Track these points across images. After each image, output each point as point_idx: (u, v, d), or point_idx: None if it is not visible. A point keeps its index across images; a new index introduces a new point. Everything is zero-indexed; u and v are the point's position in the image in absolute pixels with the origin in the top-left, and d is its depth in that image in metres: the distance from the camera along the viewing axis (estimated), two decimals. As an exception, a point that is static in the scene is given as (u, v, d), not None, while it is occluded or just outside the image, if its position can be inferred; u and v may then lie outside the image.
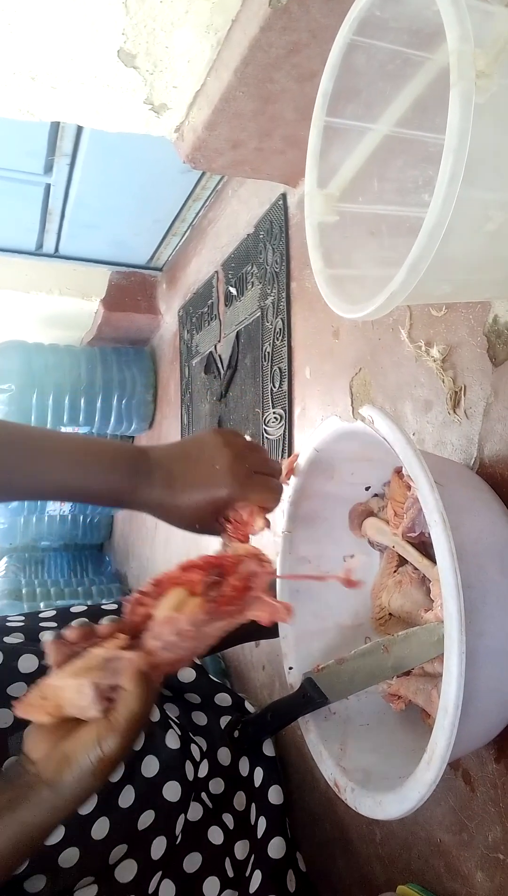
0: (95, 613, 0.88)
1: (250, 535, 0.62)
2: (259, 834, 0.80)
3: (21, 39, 0.87)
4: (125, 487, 0.59)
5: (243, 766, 0.86)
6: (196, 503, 0.60)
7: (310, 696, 0.66)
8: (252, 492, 0.61)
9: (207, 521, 0.61)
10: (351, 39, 0.53)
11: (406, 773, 0.53)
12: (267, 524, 0.63)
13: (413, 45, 0.53)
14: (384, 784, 0.58)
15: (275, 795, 0.84)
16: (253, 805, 0.83)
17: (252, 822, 0.82)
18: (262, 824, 0.81)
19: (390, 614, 0.74)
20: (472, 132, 0.39)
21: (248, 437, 0.70)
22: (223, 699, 0.90)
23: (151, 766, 0.73)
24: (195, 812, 0.77)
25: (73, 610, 0.88)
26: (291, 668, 0.74)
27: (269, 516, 0.64)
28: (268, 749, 0.88)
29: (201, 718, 0.87)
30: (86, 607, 0.89)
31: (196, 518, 0.61)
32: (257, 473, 0.62)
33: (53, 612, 0.88)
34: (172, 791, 0.73)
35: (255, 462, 0.63)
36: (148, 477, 0.60)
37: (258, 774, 0.85)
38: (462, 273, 0.46)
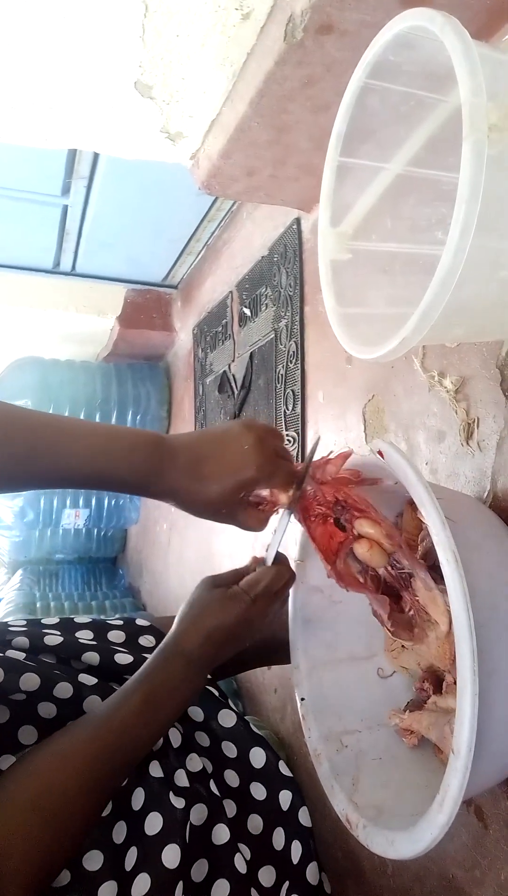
0: (100, 626, 0.88)
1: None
2: (295, 860, 0.78)
3: (39, 70, 0.88)
4: (151, 471, 0.59)
5: (257, 790, 0.84)
6: (223, 484, 0.60)
7: None
8: (276, 474, 0.62)
9: (231, 502, 0.61)
10: (365, 83, 0.53)
11: (419, 812, 0.53)
12: (290, 499, 0.64)
13: (427, 88, 0.54)
14: (396, 822, 0.58)
15: (304, 817, 0.81)
16: (280, 829, 0.80)
17: (278, 848, 0.79)
18: (296, 849, 0.79)
19: (402, 645, 0.74)
20: (484, 183, 0.40)
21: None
22: (257, 757, 0.87)
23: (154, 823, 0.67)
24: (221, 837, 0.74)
25: (77, 620, 0.89)
26: (303, 699, 0.74)
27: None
28: (285, 770, 0.86)
29: (233, 779, 0.82)
30: (90, 619, 0.90)
31: (222, 500, 0.60)
32: (278, 457, 0.63)
33: (56, 621, 0.87)
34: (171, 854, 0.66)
35: (276, 446, 0.64)
36: (174, 460, 0.60)
37: (285, 797, 0.83)
38: (474, 318, 0.46)
